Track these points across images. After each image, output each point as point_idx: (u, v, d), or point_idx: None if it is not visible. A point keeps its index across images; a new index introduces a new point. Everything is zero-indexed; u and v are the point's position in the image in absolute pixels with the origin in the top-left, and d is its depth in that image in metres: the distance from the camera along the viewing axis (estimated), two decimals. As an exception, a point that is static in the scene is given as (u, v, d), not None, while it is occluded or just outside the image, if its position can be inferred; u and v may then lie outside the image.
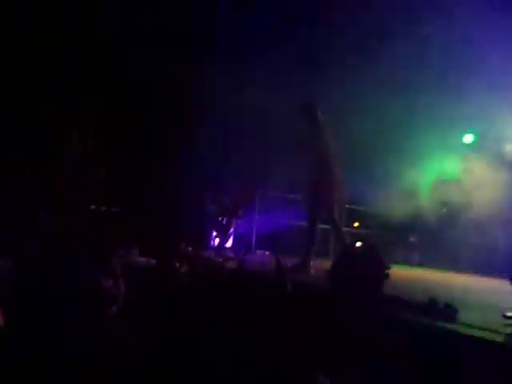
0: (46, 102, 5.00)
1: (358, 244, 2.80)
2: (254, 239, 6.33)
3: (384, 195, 6.34)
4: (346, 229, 7.64)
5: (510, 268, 4.01)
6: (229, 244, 4.29)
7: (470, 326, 1.67)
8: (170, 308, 2.64)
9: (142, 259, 3.89)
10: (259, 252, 5.87)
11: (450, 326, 1.67)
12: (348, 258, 2.42)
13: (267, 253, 5.91)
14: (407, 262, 7.01)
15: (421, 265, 6.93)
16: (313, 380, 1.61)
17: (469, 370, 1.46)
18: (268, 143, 5.85)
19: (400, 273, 2.88)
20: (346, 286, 2.18)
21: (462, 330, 1.63)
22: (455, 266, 6.26)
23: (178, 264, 3.37)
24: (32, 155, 4.71)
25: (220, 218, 3.99)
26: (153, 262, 3.88)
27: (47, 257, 3.35)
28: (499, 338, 1.53)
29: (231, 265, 3.23)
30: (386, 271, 2.32)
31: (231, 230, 4.14)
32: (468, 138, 7.21)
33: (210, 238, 4.40)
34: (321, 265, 3.60)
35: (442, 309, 1.83)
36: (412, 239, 7.35)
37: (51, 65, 4.80)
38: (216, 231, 4.05)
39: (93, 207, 4.80)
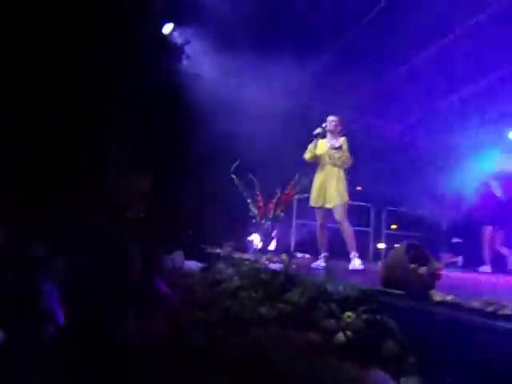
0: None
1: (397, 245, 2.79)
2: (293, 242, 6.40)
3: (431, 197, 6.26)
4: (386, 231, 7.68)
5: None
6: (272, 247, 4.36)
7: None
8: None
9: (190, 262, 4.04)
10: (299, 255, 5.93)
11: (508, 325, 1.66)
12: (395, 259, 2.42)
13: (307, 255, 5.96)
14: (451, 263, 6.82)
15: (465, 266, 6.73)
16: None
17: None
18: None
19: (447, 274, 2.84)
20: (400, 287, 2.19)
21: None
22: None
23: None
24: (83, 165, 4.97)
25: (263, 221, 4.07)
26: (199, 264, 4.03)
27: (99, 259, 3.56)
28: None
29: (276, 267, 3.29)
30: (437, 271, 2.32)
31: (274, 232, 4.20)
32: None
33: (251, 241, 4.49)
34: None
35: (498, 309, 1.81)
36: (455, 240, 7.13)
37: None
38: (259, 234, 4.13)
39: (142, 214, 5.01)
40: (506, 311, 1.74)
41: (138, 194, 5.40)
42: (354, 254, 3.77)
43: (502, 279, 4.66)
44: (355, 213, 6.80)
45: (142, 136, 5.47)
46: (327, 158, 3.99)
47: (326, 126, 4.06)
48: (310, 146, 4.09)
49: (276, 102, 5.72)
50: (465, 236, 7.27)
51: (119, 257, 3.43)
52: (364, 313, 2.00)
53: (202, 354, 2.36)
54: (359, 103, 6.73)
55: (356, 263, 3.72)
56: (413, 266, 2.26)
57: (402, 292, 2.20)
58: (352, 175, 4.22)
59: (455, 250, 7.28)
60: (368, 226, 7.40)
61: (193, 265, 3.98)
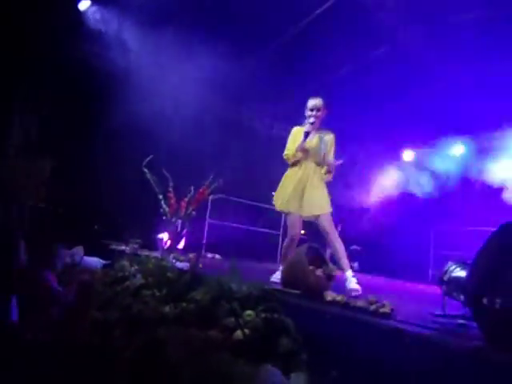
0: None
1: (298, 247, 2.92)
2: (204, 242, 6.39)
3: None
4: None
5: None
6: (181, 245, 4.29)
7: (405, 322, 1.88)
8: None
9: (91, 258, 3.79)
10: (210, 255, 5.94)
11: (387, 322, 1.87)
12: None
13: (217, 256, 6.00)
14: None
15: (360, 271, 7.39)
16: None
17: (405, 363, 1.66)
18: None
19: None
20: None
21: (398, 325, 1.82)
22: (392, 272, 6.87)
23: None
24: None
25: (173, 219, 3.99)
26: (102, 261, 3.80)
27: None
28: (427, 332, 1.75)
29: (183, 266, 3.26)
30: (331, 272, 2.51)
31: (184, 231, 4.14)
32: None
33: (160, 239, 4.37)
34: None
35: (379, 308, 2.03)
36: (353, 247, 7.78)
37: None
38: (167, 233, 4.03)
39: (42, 205, 4.58)
40: (386, 309, 1.95)
41: (39, 180, 4.93)
42: (349, 273, 2.94)
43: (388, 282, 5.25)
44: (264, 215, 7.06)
45: (49, 119, 5.00)
46: (312, 154, 3.29)
47: (312, 118, 3.29)
48: (292, 143, 3.38)
49: (198, 95, 5.66)
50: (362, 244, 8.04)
51: (5, 244, 3.08)
52: (263, 311, 2.08)
53: (96, 355, 2.24)
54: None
55: (353, 283, 2.86)
56: (311, 267, 2.42)
57: (300, 291, 2.34)
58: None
59: (352, 256, 7.98)
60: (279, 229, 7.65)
61: (94, 261, 3.75)
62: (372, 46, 5.73)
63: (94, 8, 5.22)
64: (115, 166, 4.91)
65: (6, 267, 2.76)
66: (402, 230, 7.54)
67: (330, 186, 3.42)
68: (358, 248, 7.99)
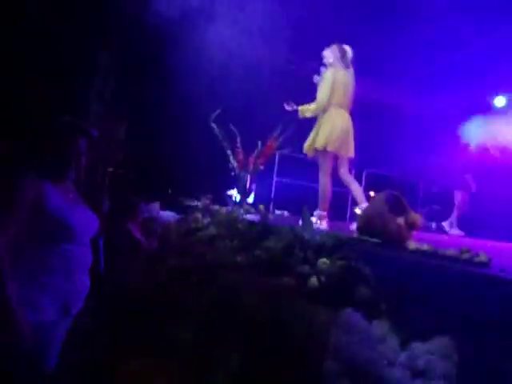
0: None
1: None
2: (272, 199, 6.36)
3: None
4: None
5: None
6: (250, 200, 4.28)
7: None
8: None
9: (166, 212, 3.95)
10: (278, 212, 5.91)
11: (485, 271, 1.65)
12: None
13: (286, 213, 5.95)
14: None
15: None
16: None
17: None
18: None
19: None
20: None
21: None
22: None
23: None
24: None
25: (242, 174, 3.96)
26: (176, 215, 3.94)
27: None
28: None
29: (253, 218, 3.23)
30: (415, 222, 2.29)
31: (253, 186, 4.11)
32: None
33: (230, 195, 4.40)
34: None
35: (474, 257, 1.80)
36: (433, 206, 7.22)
37: None
38: (238, 187, 4.03)
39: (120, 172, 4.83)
40: (482, 259, 1.72)
41: (117, 147, 5.19)
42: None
43: (473, 241, 4.78)
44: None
45: (118, 82, 5.17)
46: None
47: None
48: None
49: (258, 50, 5.43)
50: (440, 203, 7.39)
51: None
52: (339, 259, 1.96)
53: (175, 301, 2.32)
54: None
55: None
56: (391, 215, 2.22)
57: (379, 240, 2.17)
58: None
59: (429, 215, 7.42)
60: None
61: (169, 216, 3.90)
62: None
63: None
64: (184, 125, 4.97)
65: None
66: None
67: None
68: (438, 207, 7.40)
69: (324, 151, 3.30)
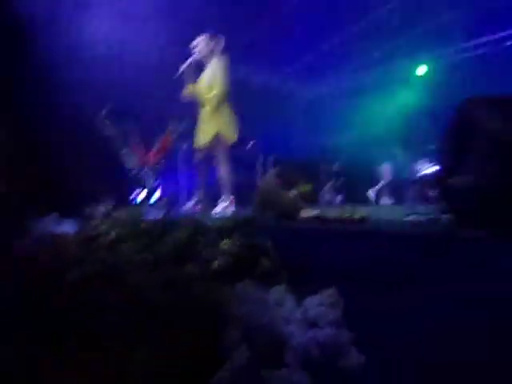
0: None
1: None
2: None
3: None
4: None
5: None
6: (156, 197, 4.19)
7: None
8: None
9: (65, 224, 3.66)
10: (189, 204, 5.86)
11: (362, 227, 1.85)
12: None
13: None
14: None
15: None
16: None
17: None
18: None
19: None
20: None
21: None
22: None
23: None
24: None
25: (144, 171, 3.84)
26: (75, 225, 3.67)
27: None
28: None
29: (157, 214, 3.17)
30: (307, 192, 2.47)
31: (156, 182, 4.02)
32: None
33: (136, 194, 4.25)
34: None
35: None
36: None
37: None
38: (142, 185, 3.90)
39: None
40: (358, 216, 1.93)
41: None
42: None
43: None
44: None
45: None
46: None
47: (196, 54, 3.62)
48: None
49: (147, 45, 5.26)
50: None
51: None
52: (239, 238, 2.04)
53: (78, 312, 2.19)
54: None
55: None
56: (284, 189, 2.36)
57: (276, 214, 2.30)
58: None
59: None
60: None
61: (68, 226, 3.62)
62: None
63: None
64: (71, 127, 4.61)
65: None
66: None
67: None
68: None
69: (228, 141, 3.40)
